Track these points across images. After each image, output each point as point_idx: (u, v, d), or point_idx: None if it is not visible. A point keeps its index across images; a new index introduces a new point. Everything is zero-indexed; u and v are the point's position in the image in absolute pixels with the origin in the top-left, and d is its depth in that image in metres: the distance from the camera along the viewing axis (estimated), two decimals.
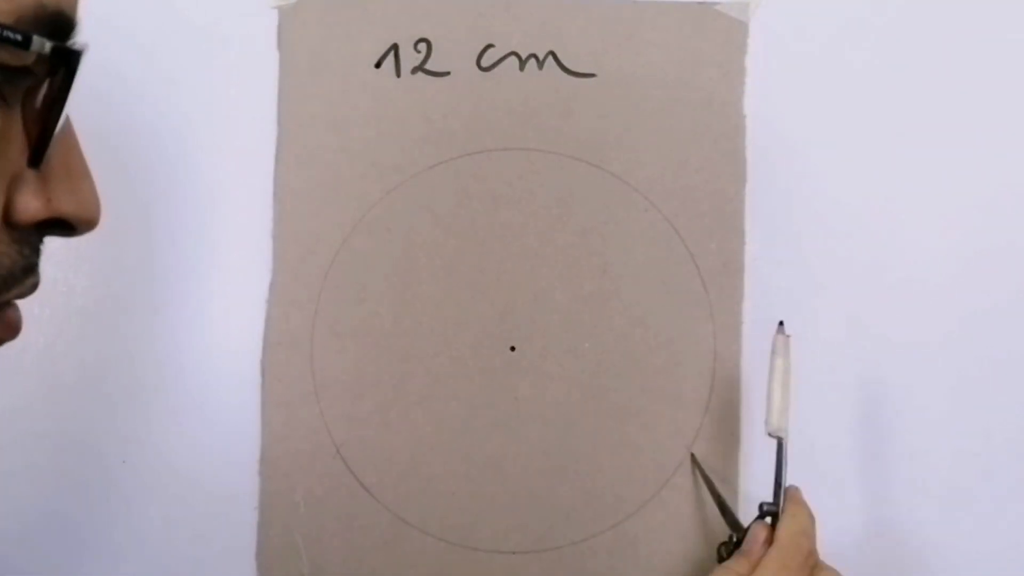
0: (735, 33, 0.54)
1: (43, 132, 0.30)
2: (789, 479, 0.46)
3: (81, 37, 0.30)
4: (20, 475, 0.54)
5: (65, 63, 0.29)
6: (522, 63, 0.55)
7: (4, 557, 0.54)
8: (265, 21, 0.55)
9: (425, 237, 0.54)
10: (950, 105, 0.54)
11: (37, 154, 0.30)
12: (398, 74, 0.55)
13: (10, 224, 0.30)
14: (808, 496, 0.52)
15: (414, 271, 0.53)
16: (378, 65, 0.55)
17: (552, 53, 0.55)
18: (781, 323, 0.48)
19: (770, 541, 0.44)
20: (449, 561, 0.52)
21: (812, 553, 0.44)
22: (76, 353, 0.54)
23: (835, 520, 0.52)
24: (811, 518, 0.45)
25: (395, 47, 0.55)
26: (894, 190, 0.54)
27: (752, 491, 0.52)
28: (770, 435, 0.46)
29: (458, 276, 0.54)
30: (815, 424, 0.53)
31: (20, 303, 0.33)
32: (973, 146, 0.54)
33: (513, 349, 0.53)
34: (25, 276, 0.32)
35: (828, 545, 0.46)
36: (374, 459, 0.53)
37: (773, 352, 0.47)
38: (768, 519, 0.45)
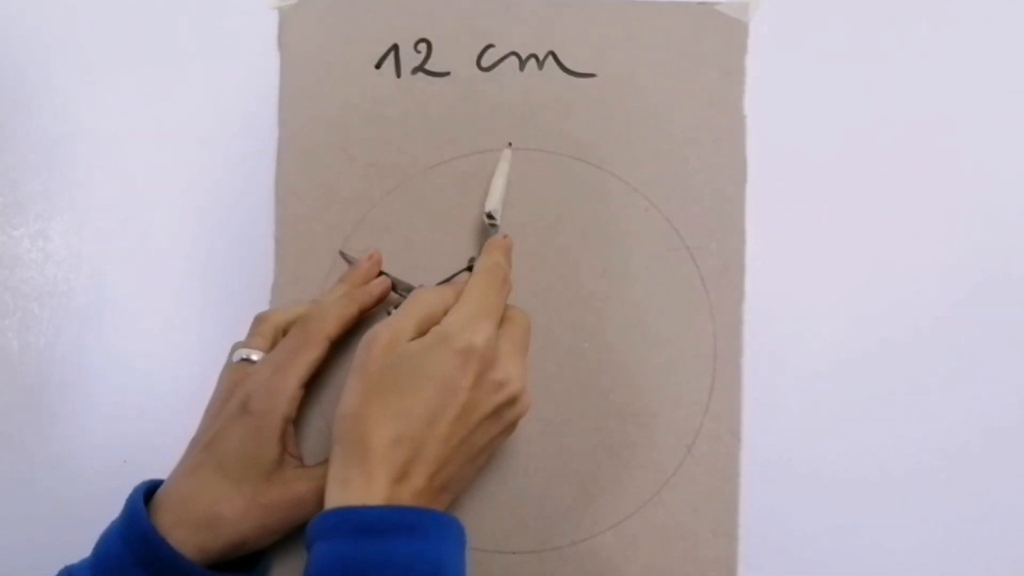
0: (735, 33, 0.54)
1: None
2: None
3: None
4: (20, 474, 0.54)
5: None
6: (522, 63, 0.55)
7: (4, 556, 0.54)
8: (265, 21, 0.55)
9: (425, 237, 0.54)
10: (951, 104, 0.54)
11: None
12: (398, 74, 0.55)
13: None
14: (807, 488, 0.52)
15: (414, 271, 0.53)
16: (378, 66, 0.55)
17: (552, 53, 0.55)
18: (510, 143, 0.54)
19: None
20: None
21: (507, 280, 0.48)
22: (76, 353, 0.55)
23: (834, 517, 0.52)
24: (504, 255, 0.49)
25: (395, 47, 0.55)
26: (894, 190, 0.54)
27: (753, 491, 0.52)
28: (491, 214, 0.52)
29: (458, 276, 0.54)
30: (815, 423, 0.53)
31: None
32: (974, 145, 0.54)
33: None
34: None
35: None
36: None
37: (503, 160, 0.53)
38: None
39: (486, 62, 0.55)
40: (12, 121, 0.56)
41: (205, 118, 0.55)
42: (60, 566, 0.45)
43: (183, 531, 0.44)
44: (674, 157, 0.54)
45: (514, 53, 0.55)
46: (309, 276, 0.54)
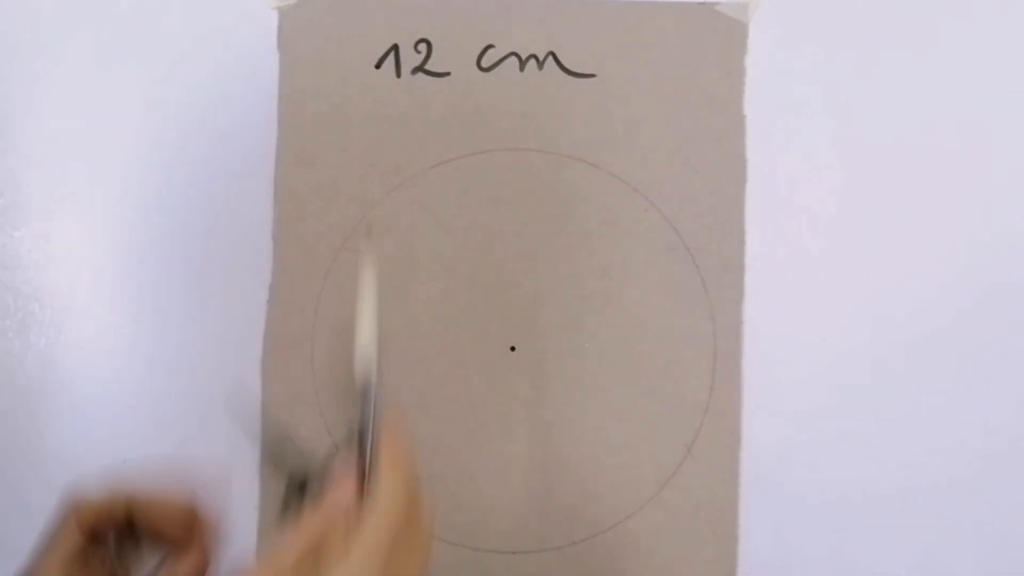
0: (735, 33, 0.54)
1: None
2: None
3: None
4: (21, 475, 0.54)
5: None
6: (522, 63, 0.55)
7: (9, 555, 0.54)
8: (265, 21, 0.55)
9: (425, 237, 0.54)
10: (952, 104, 0.54)
11: None
12: (398, 74, 0.55)
13: None
14: (807, 488, 0.52)
15: (414, 271, 0.53)
16: (378, 66, 0.55)
17: (552, 53, 0.55)
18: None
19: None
20: (449, 561, 0.52)
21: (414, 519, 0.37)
22: (76, 353, 0.55)
23: (834, 517, 0.52)
24: (409, 464, 0.38)
25: (395, 48, 0.55)
26: (895, 190, 0.54)
27: (753, 492, 0.52)
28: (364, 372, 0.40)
29: (458, 276, 0.54)
30: (815, 423, 0.53)
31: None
32: (977, 146, 0.54)
33: (513, 349, 0.53)
34: None
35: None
36: None
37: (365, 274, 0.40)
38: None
39: (486, 62, 0.55)
40: (13, 121, 0.56)
41: (205, 118, 0.55)
42: None
43: None
44: (674, 157, 0.54)
45: (514, 54, 0.55)
46: (308, 276, 0.54)
